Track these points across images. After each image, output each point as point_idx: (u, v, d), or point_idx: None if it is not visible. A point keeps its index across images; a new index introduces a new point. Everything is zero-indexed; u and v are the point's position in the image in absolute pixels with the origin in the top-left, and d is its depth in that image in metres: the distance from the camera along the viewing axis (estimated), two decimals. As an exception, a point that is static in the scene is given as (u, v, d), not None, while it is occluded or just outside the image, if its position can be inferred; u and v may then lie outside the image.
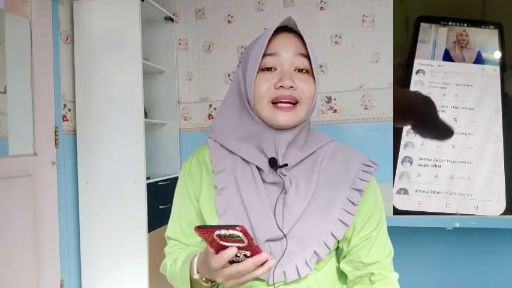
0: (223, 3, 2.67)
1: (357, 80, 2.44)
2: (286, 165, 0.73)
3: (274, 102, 0.71)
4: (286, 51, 0.72)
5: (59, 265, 2.12)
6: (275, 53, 0.72)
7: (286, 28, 0.75)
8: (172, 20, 2.69)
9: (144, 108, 2.27)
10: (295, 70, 0.72)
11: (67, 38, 2.25)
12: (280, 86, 0.70)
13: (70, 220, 2.22)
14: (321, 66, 2.50)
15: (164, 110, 2.71)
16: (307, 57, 0.73)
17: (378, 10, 2.40)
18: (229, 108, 0.79)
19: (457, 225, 1.66)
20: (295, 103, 0.71)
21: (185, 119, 2.77)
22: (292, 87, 0.70)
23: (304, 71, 0.73)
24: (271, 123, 0.72)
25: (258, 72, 0.72)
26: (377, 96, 2.41)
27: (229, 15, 2.66)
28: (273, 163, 0.73)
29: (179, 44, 2.76)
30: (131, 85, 2.15)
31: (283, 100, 0.71)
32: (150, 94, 2.68)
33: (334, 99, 2.48)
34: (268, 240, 0.70)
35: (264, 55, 0.72)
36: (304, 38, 0.74)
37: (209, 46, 2.71)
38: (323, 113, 2.50)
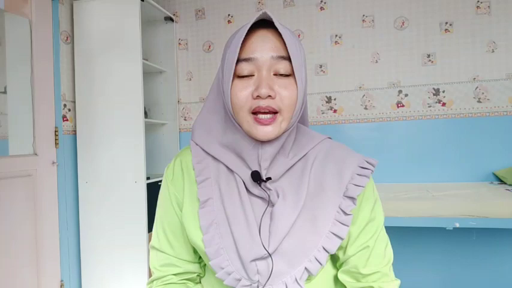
0: (223, 3, 2.67)
1: (357, 80, 2.44)
2: (269, 179, 0.67)
3: (254, 113, 0.64)
4: (263, 54, 0.63)
5: (59, 265, 2.12)
6: (251, 57, 0.63)
7: (265, 23, 0.65)
8: (172, 20, 2.69)
9: (144, 108, 2.27)
10: (275, 74, 0.64)
11: (67, 38, 2.25)
12: (258, 96, 0.62)
13: (70, 220, 2.22)
14: (320, 66, 2.50)
15: (164, 110, 2.71)
16: (288, 58, 0.64)
17: (377, 10, 2.40)
18: (212, 110, 0.74)
19: (457, 225, 1.66)
20: (275, 112, 0.64)
21: (185, 119, 2.77)
22: (270, 96, 0.62)
23: (285, 74, 0.64)
24: (251, 136, 0.66)
25: (234, 79, 0.65)
26: (377, 96, 2.41)
27: (229, 15, 2.66)
28: (256, 177, 0.67)
29: (179, 44, 2.76)
30: (131, 85, 2.15)
31: (262, 111, 0.63)
32: (150, 94, 2.68)
33: (334, 99, 2.48)
34: (255, 260, 0.65)
35: (239, 60, 0.64)
36: (284, 35, 0.63)
37: (209, 46, 2.71)
38: (323, 113, 2.50)
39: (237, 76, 0.65)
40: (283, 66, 0.64)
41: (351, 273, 0.72)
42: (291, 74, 0.65)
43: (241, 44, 0.64)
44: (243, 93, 0.64)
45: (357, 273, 0.70)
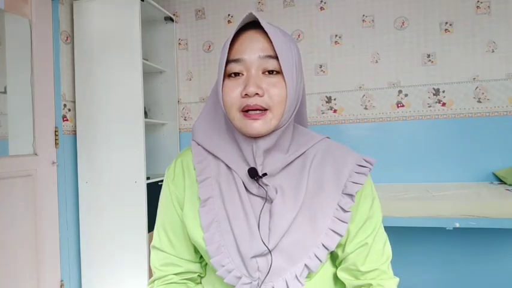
0: (223, 3, 2.67)
1: (357, 80, 2.44)
2: (265, 174, 0.68)
3: (245, 110, 0.65)
4: (251, 54, 0.65)
5: (59, 265, 2.12)
6: (239, 58, 0.65)
7: (257, 23, 0.67)
8: (172, 20, 2.69)
9: (144, 108, 2.27)
10: (264, 73, 0.66)
11: (67, 38, 2.25)
12: (246, 94, 0.64)
13: (70, 220, 2.22)
14: (320, 66, 2.50)
15: (164, 110, 2.71)
16: (276, 57, 0.65)
17: (378, 10, 2.40)
18: (213, 110, 0.76)
19: (457, 225, 1.66)
20: (264, 110, 0.65)
21: (185, 119, 2.77)
22: (257, 94, 0.64)
23: (274, 72, 0.66)
24: (243, 132, 0.68)
25: (225, 79, 0.67)
26: (377, 96, 2.41)
27: (229, 15, 2.66)
28: (253, 173, 0.68)
29: (179, 44, 2.76)
30: (131, 85, 2.15)
31: (251, 109, 0.65)
32: (150, 94, 2.69)
33: (334, 99, 2.48)
34: (255, 257, 0.66)
35: (229, 61, 0.66)
36: (271, 35, 0.64)
37: (209, 46, 2.71)
38: (323, 113, 2.50)
39: (228, 76, 0.68)
40: (271, 65, 0.65)
41: (349, 270, 0.72)
42: (280, 72, 0.66)
43: (232, 45, 0.67)
44: (233, 93, 0.66)
45: (355, 271, 0.71)
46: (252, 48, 0.65)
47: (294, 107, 0.69)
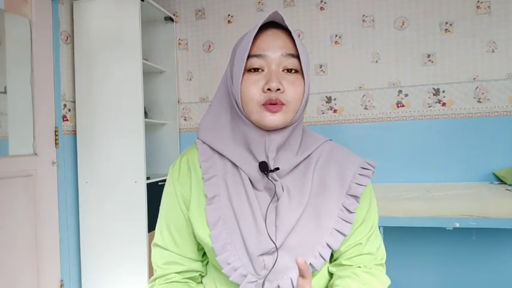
0: (223, 3, 2.67)
1: (357, 80, 2.44)
2: (277, 169, 0.69)
3: (264, 104, 0.67)
4: (274, 51, 0.67)
5: (59, 265, 2.12)
6: (261, 54, 0.67)
7: (274, 23, 0.70)
8: (172, 20, 2.69)
9: (144, 108, 2.27)
10: (283, 70, 0.68)
11: (67, 38, 2.25)
12: (268, 89, 0.66)
13: (70, 220, 2.22)
14: (320, 66, 2.50)
15: (164, 110, 2.71)
16: (297, 56, 0.68)
17: (377, 10, 2.40)
18: (219, 108, 0.76)
19: (457, 225, 1.66)
20: (282, 105, 0.68)
21: (185, 119, 2.77)
22: (279, 89, 0.66)
23: (293, 70, 0.68)
24: (260, 125, 0.69)
25: (244, 73, 0.68)
26: (377, 96, 2.41)
27: (229, 15, 2.66)
28: (264, 167, 0.69)
29: (179, 44, 2.76)
30: (131, 85, 2.15)
31: (272, 103, 0.67)
32: (150, 94, 2.69)
33: (334, 99, 2.48)
34: (262, 254, 0.66)
35: (250, 56, 0.68)
36: (294, 34, 0.68)
37: (209, 46, 2.71)
38: (323, 113, 2.50)
39: (247, 71, 0.69)
40: (291, 64, 0.68)
41: (340, 265, 0.74)
42: (298, 71, 0.69)
43: (253, 41, 0.68)
44: (254, 87, 0.68)
45: (347, 266, 0.73)
46: (275, 46, 0.68)
47: (305, 104, 0.72)
